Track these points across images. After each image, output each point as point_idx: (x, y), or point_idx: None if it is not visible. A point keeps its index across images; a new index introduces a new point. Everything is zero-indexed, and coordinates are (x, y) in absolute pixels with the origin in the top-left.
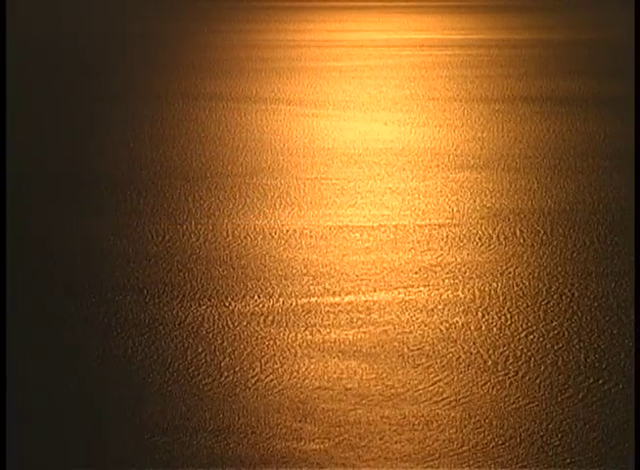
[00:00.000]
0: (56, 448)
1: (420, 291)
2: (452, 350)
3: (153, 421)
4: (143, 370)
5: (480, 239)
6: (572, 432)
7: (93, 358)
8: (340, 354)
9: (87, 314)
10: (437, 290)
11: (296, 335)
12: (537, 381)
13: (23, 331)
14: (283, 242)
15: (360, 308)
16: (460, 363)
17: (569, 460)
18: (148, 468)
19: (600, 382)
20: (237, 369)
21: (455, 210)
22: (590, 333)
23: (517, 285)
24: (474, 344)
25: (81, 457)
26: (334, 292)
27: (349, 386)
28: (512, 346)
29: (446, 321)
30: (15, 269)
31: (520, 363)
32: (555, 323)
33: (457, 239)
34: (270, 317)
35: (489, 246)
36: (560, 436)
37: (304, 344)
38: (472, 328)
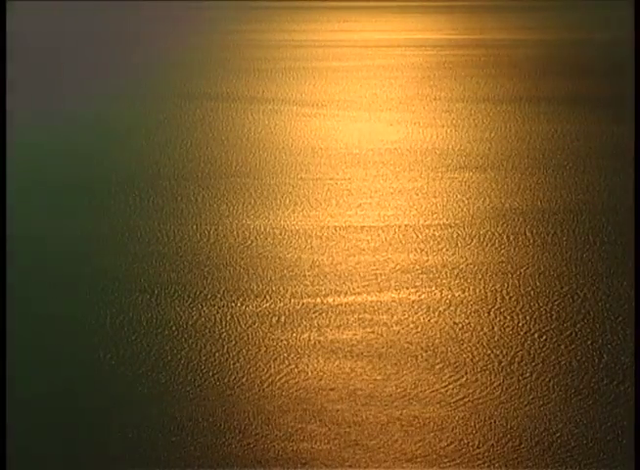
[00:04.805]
0: (62, 447)
1: (427, 291)
2: (462, 350)
3: (163, 421)
4: (153, 370)
5: (486, 239)
6: (588, 433)
7: (102, 358)
8: (348, 355)
9: (95, 315)
10: (445, 290)
11: (304, 336)
12: (551, 382)
13: (31, 331)
14: (289, 242)
15: (368, 309)
16: (471, 364)
17: (584, 461)
18: (157, 467)
19: (614, 383)
20: (247, 370)
21: (461, 210)
22: (603, 334)
23: (526, 285)
24: (485, 345)
25: (89, 456)
26: (341, 292)
27: (358, 386)
28: (524, 347)
29: (455, 322)
30: (21, 269)
31: (533, 364)
32: (567, 324)
33: (464, 239)
34: (279, 318)
35: (496, 246)
36: (575, 437)
37: (313, 345)
38: (482, 329)
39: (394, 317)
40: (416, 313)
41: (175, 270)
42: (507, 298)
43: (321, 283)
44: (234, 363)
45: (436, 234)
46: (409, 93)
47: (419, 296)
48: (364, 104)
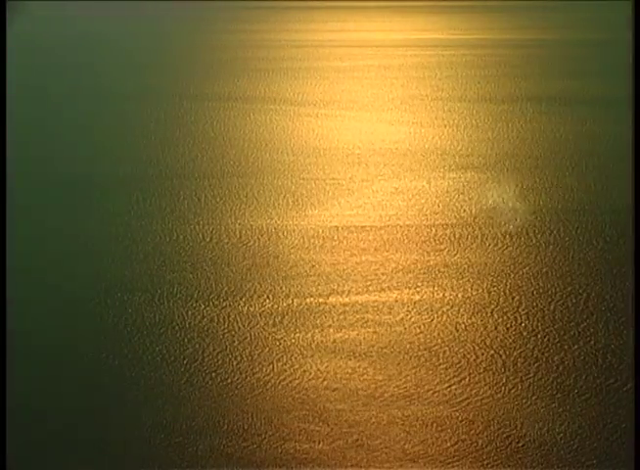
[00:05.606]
0: (64, 448)
1: (428, 291)
2: (465, 351)
3: (164, 421)
4: (155, 371)
5: (487, 239)
6: (591, 433)
7: (103, 358)
8: (350, 355)
9: (98, 315)
10: (446, 290)
11: (306, 336)
12: (554, 382)
13: (32, 331)
14: (290, 242)
15: (369, 309)
16: (473, 365)
17: (587, 462)
18: (159, 468)
19: (617, 384)
20: (248, 370)
21: (462, 210)
22: (606, 334)
23: (528, 285)
24: (487, 345)
25: (89, 456)
26: (343, 292)
27: (360, 387)
28: (527, 346)
29: (457, 322)
30: (24, 270)
31: (535, 365)
32: (570, 324)
33: (465, 239)
34: (280, 318)
35: (497, 246)
36: (578, 437)
37: (315, 345)
38: (484, 329)
39: (396, 317)
40: (418, 313)
41: (176, 270)
42: (509, 298)
43: (323, 283)
44: (236, 364)
45: (437, 234)
46: (410, 93)
47: (421, 296)
48: (364, 104)
